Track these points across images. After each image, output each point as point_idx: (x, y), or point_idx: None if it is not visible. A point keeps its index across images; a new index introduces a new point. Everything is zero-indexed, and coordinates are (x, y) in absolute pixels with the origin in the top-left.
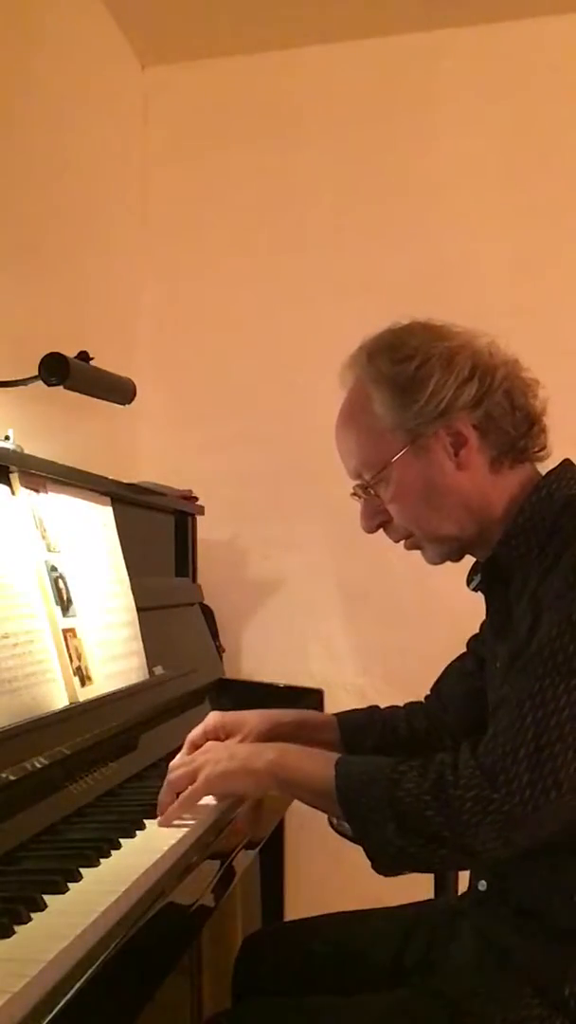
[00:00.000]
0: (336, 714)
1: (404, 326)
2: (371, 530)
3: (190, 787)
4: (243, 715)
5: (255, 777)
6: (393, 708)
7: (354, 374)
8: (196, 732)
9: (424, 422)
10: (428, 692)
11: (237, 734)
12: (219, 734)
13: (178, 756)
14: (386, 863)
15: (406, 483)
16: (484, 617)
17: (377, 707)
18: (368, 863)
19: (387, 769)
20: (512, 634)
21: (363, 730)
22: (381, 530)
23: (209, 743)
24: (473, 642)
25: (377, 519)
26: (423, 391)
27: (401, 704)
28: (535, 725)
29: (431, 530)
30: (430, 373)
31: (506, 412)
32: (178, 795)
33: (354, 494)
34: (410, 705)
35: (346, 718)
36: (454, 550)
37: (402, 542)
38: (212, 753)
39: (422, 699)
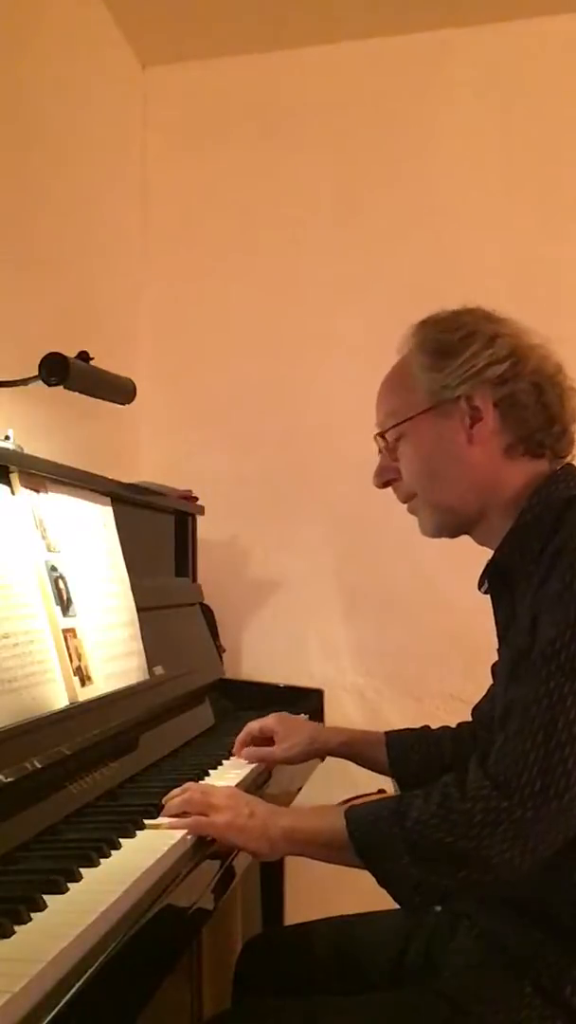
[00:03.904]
0: (386, 732)
1: (465, 308)
2: (380, 485)
3: (203, 820)
4: (298, 724)
5: (270, 843)
6: (443, 728)
7: (406, 340)
8: (255, 724)
9: (449, 386)
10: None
11: (288, 739)
12: (272, 735)
13: (239, 739)
14: (411, 899)
15: (419, 443)
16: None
17: (427, 727)
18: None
19: (393, 804)
20: (515, 638)
21: (410, 749)
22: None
23: (230, 789)
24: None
25: (387, 475)
26: (457, 357)
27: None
28: (543, 729)
29: (432, 495)
30: (466, 346)
31: (530, 402)
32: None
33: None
34: (461, 724)
35: (394, 737)
36: (449, 523)
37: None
38: (233, 800)
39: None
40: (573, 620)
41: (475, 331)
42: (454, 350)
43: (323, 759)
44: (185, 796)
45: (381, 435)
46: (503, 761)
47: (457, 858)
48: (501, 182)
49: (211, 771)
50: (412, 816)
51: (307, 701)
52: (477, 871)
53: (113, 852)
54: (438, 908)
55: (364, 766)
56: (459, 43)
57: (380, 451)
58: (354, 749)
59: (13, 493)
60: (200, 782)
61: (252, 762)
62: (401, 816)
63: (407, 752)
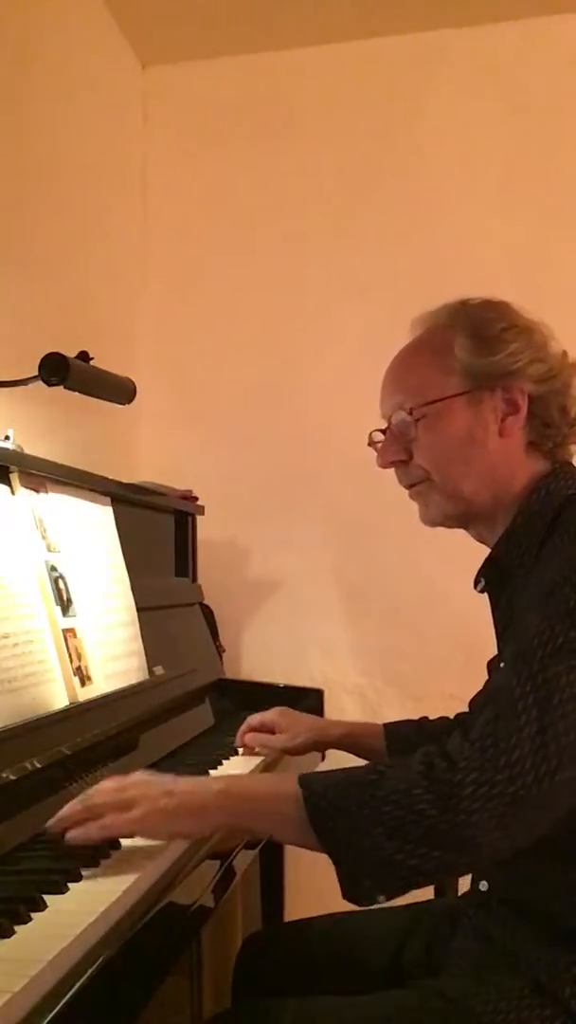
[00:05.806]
0: (385, 724)
1: (494, 299)
2: (385, 466)
3: (119, 818)
4: (300, 717)
5: (201, 816)
6: (442, 719)
7: (439, 319)
8: (255, 717)
9: (492, 375)
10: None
11: (290, 731)
12: (274, 727)
13: (240, 730)
14: (368, 881)
15: (448, 426)
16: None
17: (426, 718)
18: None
19: (363, 771)
20: (515, 635)
21: (409, 740)
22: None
23: (139, 774)
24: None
25: (395, 456)
26: (503, 348)
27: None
28: (537, 706)
29: (450, 480)
30: (513, 338)
31: (558, 404)
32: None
33: (385, 428)
34: (460, 715)
35: (393, 728)
36: (458, 513)
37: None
38: (146, 788)
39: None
40: (569, 609)
41: (516, 324)
42: (501, 339)
43: (324, 756)
44: (92, 802)
45: (409, 411)
46: (494, 735)
47: (437, 835)
48: (500, 182)
49: (211, 771)
50: (388, 785)
51: (307, 701)
52: (454, 850)
53: (113, 852)
54: (381, 899)
55: (363, 757)
56: (458, 43)
57: (387, 428)
58: (354, 740)
59: (13, 493)
60: (111, 787)
61: (255, 747)
62: (374, 785)
63: (405, 742)
